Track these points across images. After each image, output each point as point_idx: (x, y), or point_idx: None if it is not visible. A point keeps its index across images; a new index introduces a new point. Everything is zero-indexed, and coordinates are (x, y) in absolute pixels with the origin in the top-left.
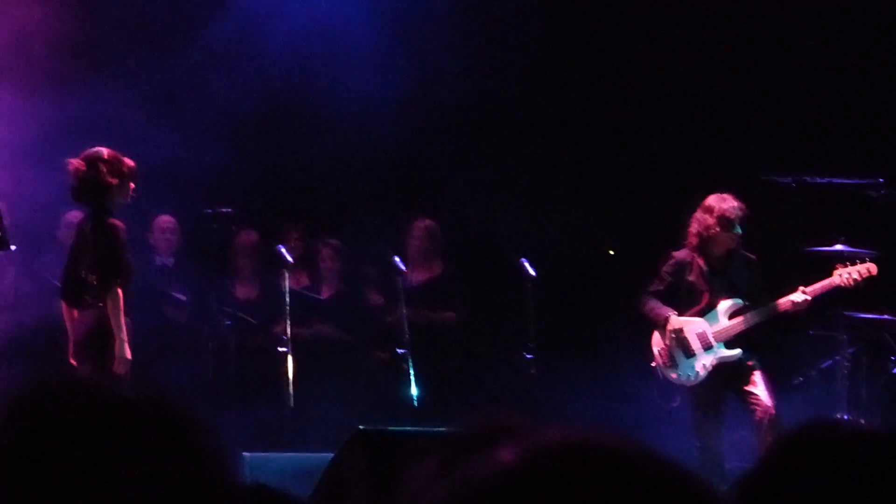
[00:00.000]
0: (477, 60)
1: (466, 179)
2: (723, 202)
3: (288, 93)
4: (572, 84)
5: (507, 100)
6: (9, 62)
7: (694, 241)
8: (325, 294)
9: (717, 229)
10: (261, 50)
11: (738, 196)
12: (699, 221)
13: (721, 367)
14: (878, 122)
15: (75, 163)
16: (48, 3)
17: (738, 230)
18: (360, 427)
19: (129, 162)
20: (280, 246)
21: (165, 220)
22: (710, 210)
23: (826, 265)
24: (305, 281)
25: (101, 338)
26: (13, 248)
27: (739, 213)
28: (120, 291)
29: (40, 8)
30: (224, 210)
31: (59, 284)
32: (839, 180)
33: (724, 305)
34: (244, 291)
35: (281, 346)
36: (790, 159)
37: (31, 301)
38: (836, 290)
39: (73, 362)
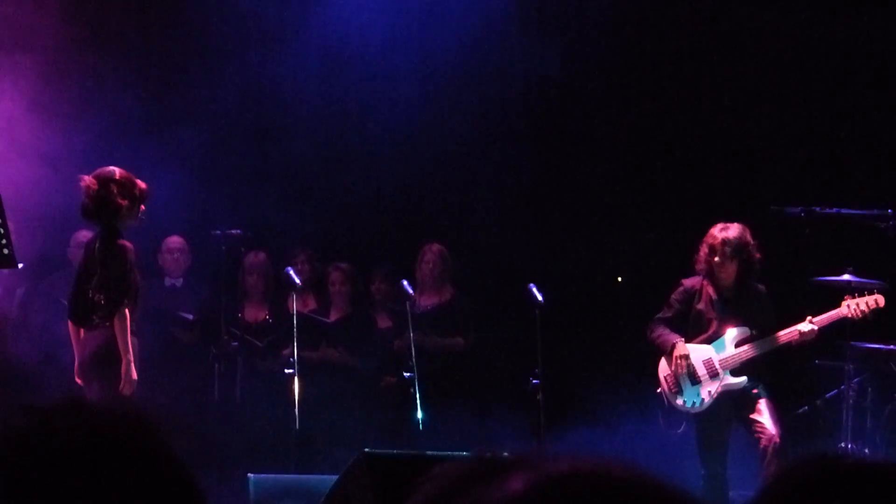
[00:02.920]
0: (487, 88)
1: (476, 205)
2: (720, 232)
3: (300, 118)
4: (583, 113)
5: (515, 127)
6: (39, 88)
7: (697, 267)
8: (333, 317)
9: (712, 260)
10: (275, 73)
11: (748, 226)
12: (701, 249)
13: (726, 395)
14: (887, 154)
15: (87, 180)
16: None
17: (733, 262)
18: (366, 450)
19: (142, 184)
20: (288, 268)
21: (174, 240)
22: (706, 239)
23: (834, 295)
24: (313, 303)
25: (107, 358)
26: (20, 265)
27: (730, 245)
28: (127, 312)
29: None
30: (233, 231)
31: (66, 304)
32: (848, 211)
33: (732, 333)
34: (252, 313)
35: (288, 368)
36: (799, 189)
37: (39, 320)
38: (843, 320)
39: (79, 381)
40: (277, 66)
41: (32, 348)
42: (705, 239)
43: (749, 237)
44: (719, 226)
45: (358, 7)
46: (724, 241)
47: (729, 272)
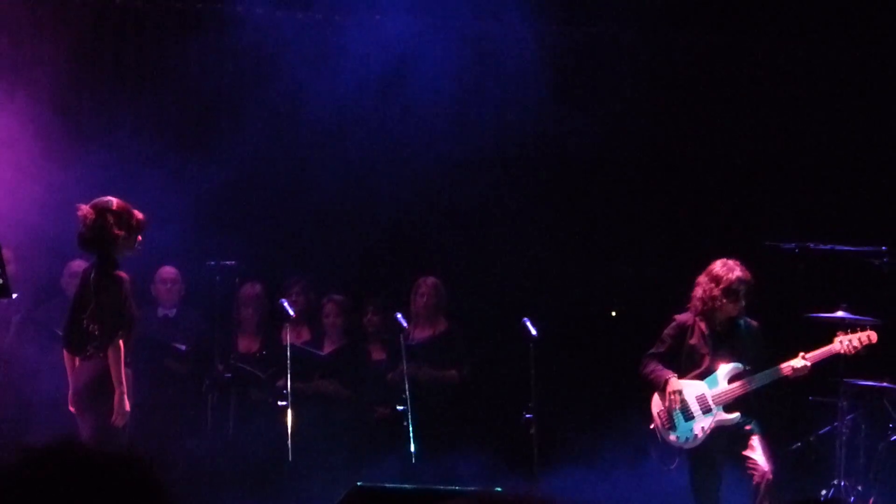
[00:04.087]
0: (479, 123)
1: (471, 238)
2: (730, 272)
3: (295, 149)
4: (577, 146)
5: (509, 160)
6: (43, 115)
7: (698, 305)
8: (327, 349)
9: (724, 300)
10: (267, 107)
11: (743, 262)
12: (704, 288)
13: (719, 431)
14: (881, 191)
15: (84, 209)
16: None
17: (742, 301)
18: (359, 483)
19: (139, 214)
20: (283, 300)
21: (168, 270)
22: (716, 280)
23: (827, 331)
24: (307, 335)
25: (101, 389)
26: (14, 295)
27: (745, 285)
28: (122, 343)
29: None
30: (227, 262)
31: (60, 333)
32: (842, 247)
33: (725, 369)
34: (246, 344)
35: (281, 400)
36: (794, 225)
37: (33, 349)
38: (837, 357)
39: (72, 409)
40: (281, 102)
41: (26, 377)
42: (715, 280)
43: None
44: (721, 265)
45: (367, 54)
46: (742, 281)
47: (736, 311)
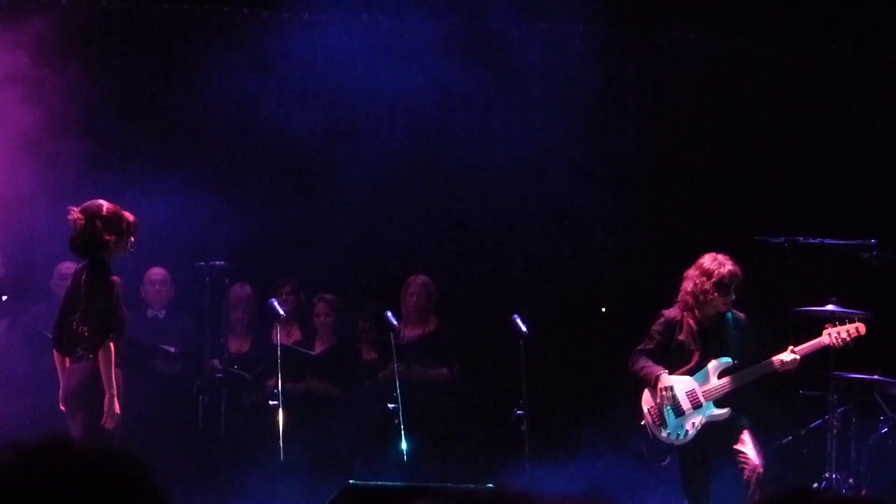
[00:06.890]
0: (468, 123)
1: (461, 236)
2: (721, 267)
3: (286, 148)
4: (567, 144)
5: (497, 159)
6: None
7: (688, 300)
8: (318, 348)
9: (715, 294)
10: (257, 102)
11: (732, 256)
12: (695, 282)
13: (710, 426)
14: (870, 184)
15: (75, 214)
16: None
17: (733, 296)
18: (350, 481)
19: (129, 217)
20: (273, 299)
21: (157, 272)
22: (708, 273)
23: (817, 325)
24: (297, 334)
25: (91, 391)
26: (4, 298)
27: (736, 279)
28: (112, 346)
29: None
30: (217, 263)
31: (50, 336)
32: (831, 241)
33: (714, 364)
34: (236, 345)
35: (272, 400)
36: (783, 219)
37: (21, 351)
38: (826, 350)
39: (63, 408)
40: (274, 99)
41: (14, 379)
42: (706, 274)
43: None
44: (711, 259)
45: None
46: (733, 275)
47: (726, 305)
